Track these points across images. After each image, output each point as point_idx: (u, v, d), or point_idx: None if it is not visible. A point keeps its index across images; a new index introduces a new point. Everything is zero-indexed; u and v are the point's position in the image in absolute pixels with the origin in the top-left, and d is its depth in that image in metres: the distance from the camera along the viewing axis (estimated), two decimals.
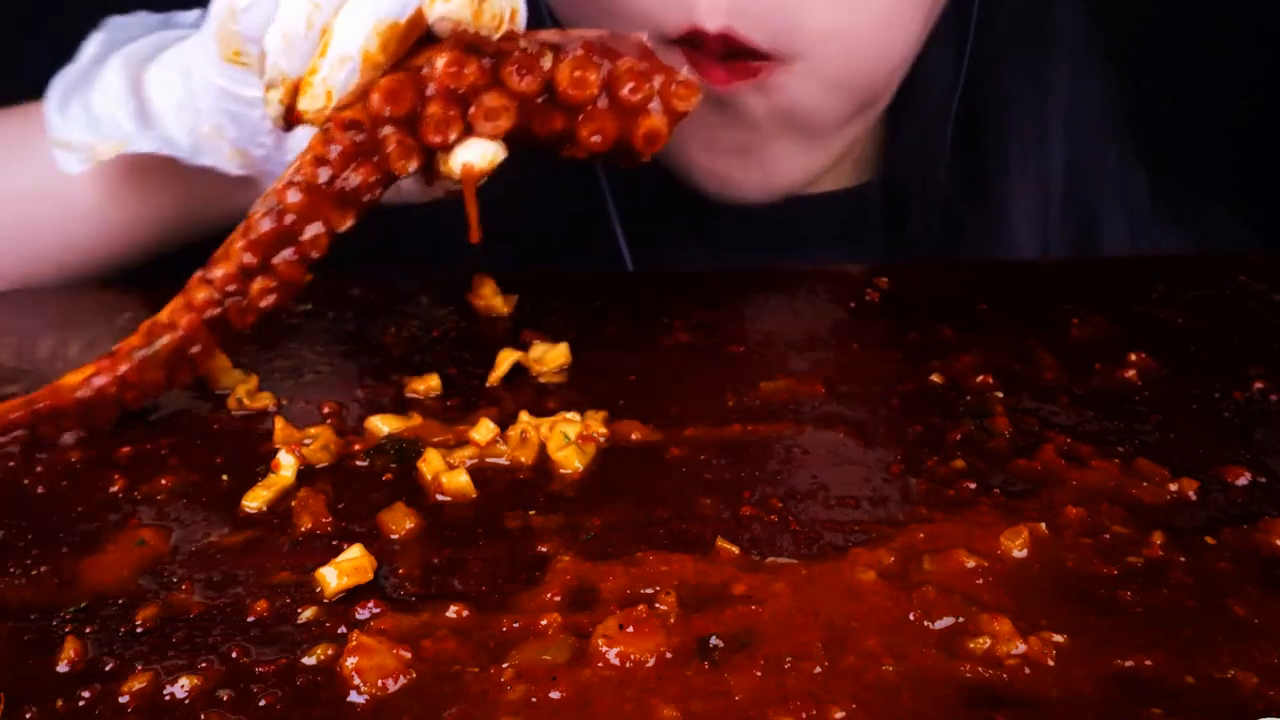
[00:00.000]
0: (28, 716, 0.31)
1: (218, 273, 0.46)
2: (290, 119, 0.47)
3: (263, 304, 0.46)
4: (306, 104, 0.45)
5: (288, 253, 0.46)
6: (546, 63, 0.44)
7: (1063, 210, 0.72)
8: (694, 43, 0.58)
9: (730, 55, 0.58)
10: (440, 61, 0.44)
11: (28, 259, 0.60)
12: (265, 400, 0.48)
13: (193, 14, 0.58)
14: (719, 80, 0.59)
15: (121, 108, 0.54)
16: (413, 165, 0.45)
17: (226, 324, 0.46)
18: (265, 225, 0.45)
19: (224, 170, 0.54)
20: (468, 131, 0.45)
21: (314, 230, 0.46)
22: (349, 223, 0.46)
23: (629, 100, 0.45)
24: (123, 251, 0.60)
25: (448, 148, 0.45)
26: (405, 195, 0.51)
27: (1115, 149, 0.74)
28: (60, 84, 0.56)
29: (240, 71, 0.51)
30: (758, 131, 0.62)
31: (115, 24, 0.58)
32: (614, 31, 0.47)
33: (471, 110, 0.44)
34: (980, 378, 0.48)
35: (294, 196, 0.45)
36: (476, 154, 0.45)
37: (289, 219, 0.45)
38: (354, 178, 0.45)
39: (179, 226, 0.60)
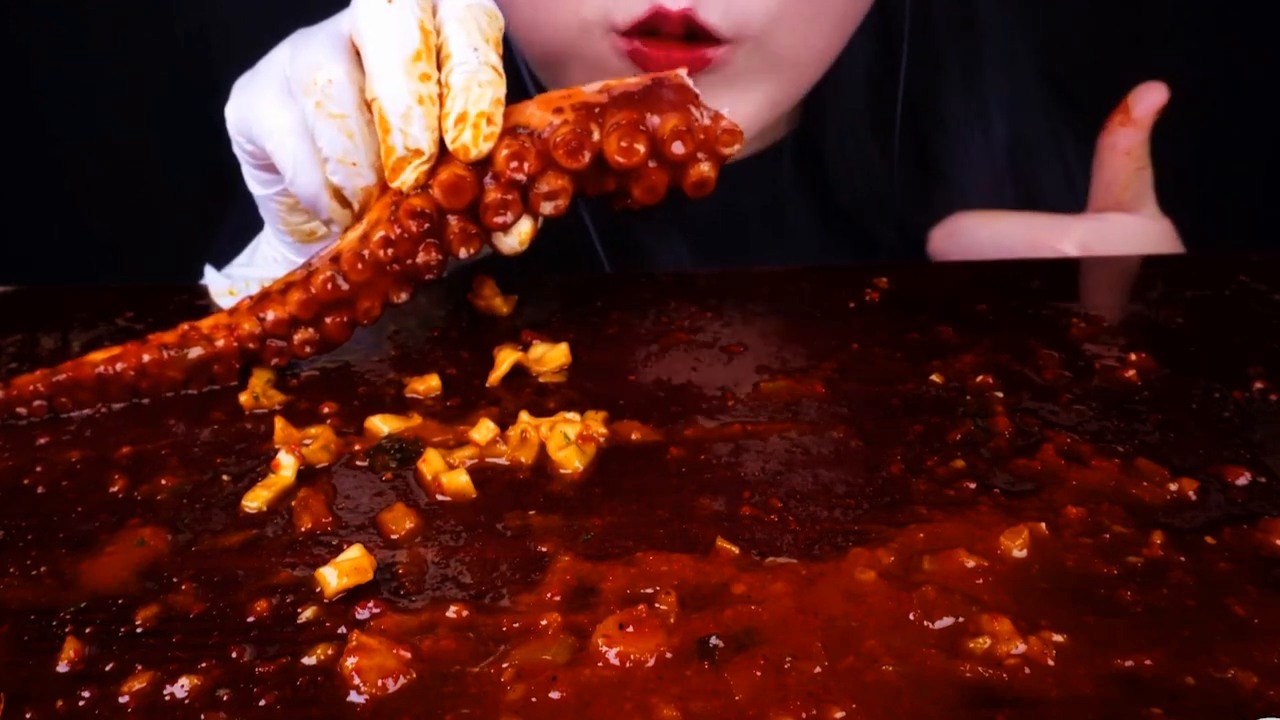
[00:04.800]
0: (28, 716, 0.31)
1: (269, 315, 0.48)
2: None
3: (300, 353, 0.49)
4: (403, 178, 0.46)
5: (339, 315, 0.48)
6: (595, 135, 0.46)
7: (1011, 181, 0.73)
8: (651, 29, 0.58)
9: (688, 37, 0.58)
10: (502, 155, 0.46)
11: None
12: (278, 398, 0.48)
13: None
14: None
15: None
16: (474, 249, 0.48)
17: (258, 358, 0.49)
18: (326, 288, 0.47)
19: None
20: (525, 210, 0.47)
21: (370, 301, 0.48)
22: (405, 296, 0.49)
23: (677, 156, 0.46)
24: None
25: (508, 229, 0.47)
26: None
27: (1048, 117, 0.76)
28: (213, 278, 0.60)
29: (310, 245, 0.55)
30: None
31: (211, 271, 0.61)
32: (653, 76, 0.47)
33: (532, 194, 0.47)
34: (980, 378, 0.48)
35: (359, 270, 0.47)
36: (525, 230, 0.48)
37: (348, 288, 0.48)
38: (419, 258, 0.47)
39: None
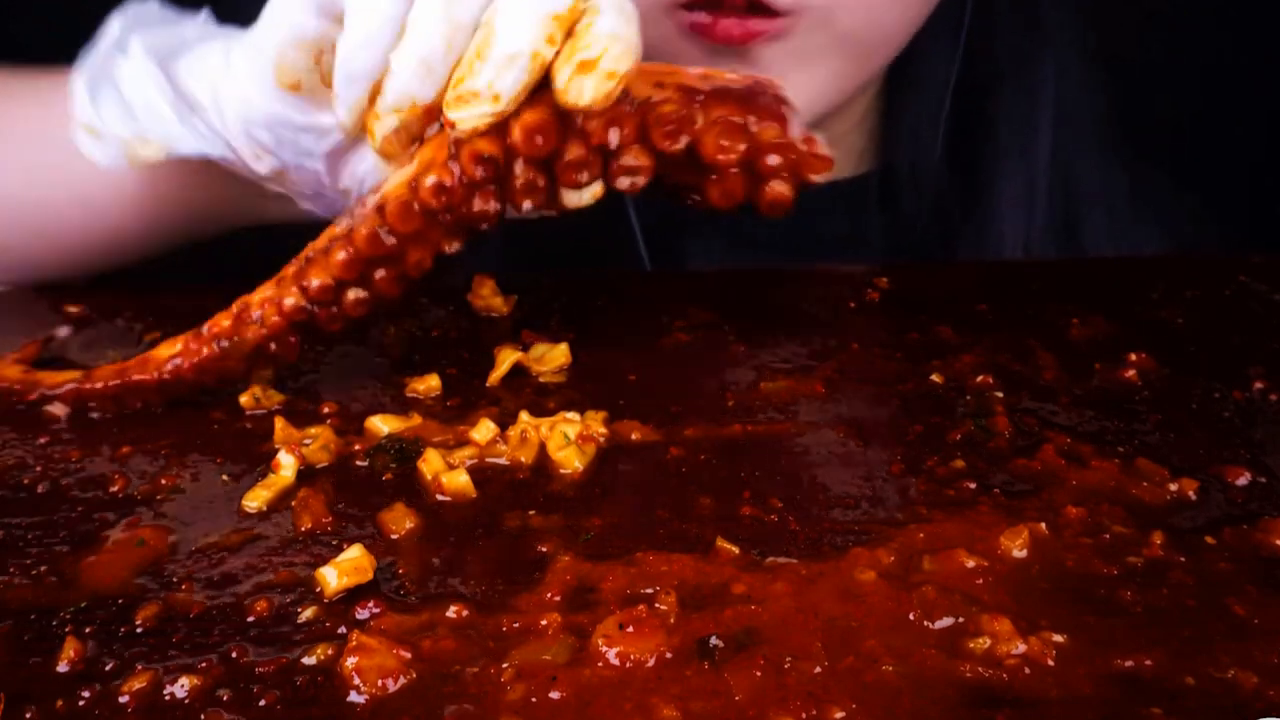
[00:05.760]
0: (28, 716, 0.31)
1: (313, 282, 0.45)
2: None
3: (354, 314, 0.46)
4: (464, 114, 0.43)
5: (389, 271, 0.46)
6: (697, 123, 0.44)
7: (1047, 203, 0.73)
8: (713, 1, 0.58)
9: (750, 9, 0.58)
10: (598, 119, 0.43)
11: (41, 248, 0.60)
12: (278, 398, 0.48)
13: (200, 17, 0.55)
14: (735, 39, 0.59)
15: (161, 104, 0.51)
16: (537, 203, 0.44)
17: (313, 328, 0.47)
18: (371, 244, 0.44)
19: (262, 183, 0.52)
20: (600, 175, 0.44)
21: (420, 253, 0.45)
22: (456, 246, 0.46)
23: (769, 169, 0.44)
24: (139, 246, 0.59)
25: (580, 188, 0.44)
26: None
27: (1098, 146, 0.75)
28: (87, 67, 0.53)
29: (293, 98, 0.48)
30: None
31: (133, 10, 0.54)
32: (754, 77, 0.46)
33: (614, 164, 0.44)
34: (980, 378, 0.48)
35: (407, 221, 0.44)
36: (597, 189, 0.45)
37: (395, 241, 0.45)
38: (475, 205, 0.44)
39: (202, 226, 0.59)
